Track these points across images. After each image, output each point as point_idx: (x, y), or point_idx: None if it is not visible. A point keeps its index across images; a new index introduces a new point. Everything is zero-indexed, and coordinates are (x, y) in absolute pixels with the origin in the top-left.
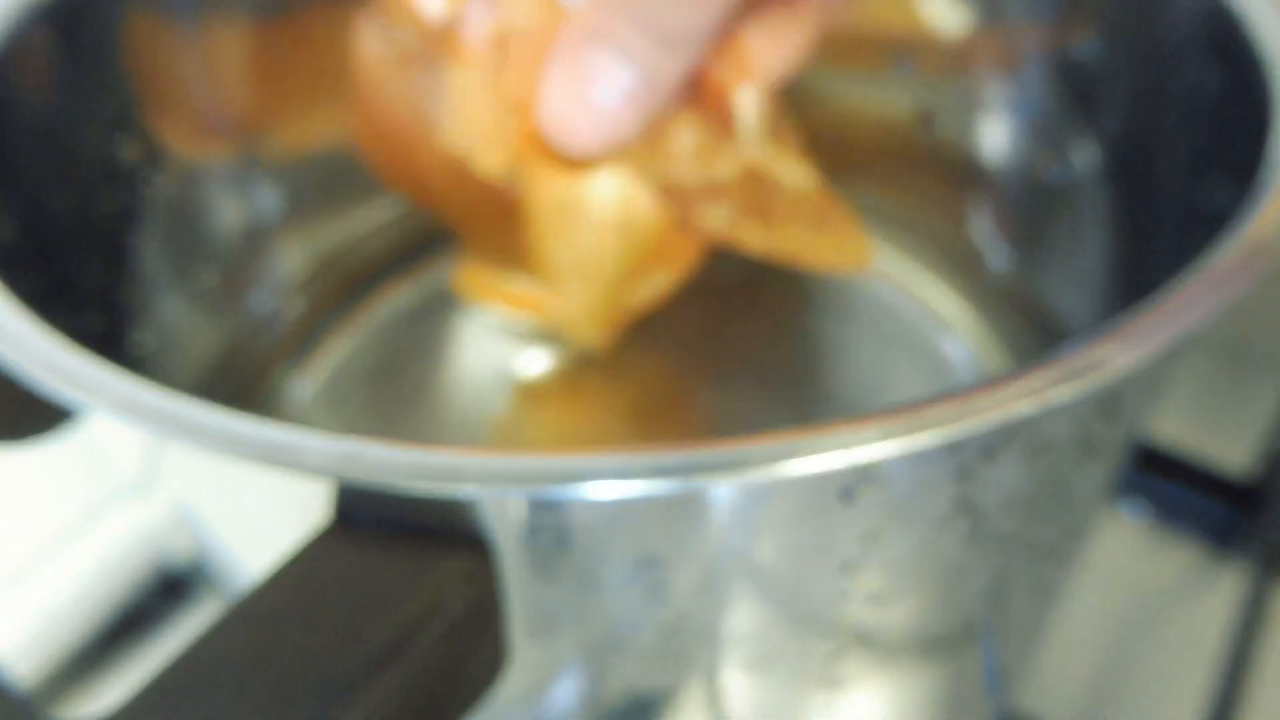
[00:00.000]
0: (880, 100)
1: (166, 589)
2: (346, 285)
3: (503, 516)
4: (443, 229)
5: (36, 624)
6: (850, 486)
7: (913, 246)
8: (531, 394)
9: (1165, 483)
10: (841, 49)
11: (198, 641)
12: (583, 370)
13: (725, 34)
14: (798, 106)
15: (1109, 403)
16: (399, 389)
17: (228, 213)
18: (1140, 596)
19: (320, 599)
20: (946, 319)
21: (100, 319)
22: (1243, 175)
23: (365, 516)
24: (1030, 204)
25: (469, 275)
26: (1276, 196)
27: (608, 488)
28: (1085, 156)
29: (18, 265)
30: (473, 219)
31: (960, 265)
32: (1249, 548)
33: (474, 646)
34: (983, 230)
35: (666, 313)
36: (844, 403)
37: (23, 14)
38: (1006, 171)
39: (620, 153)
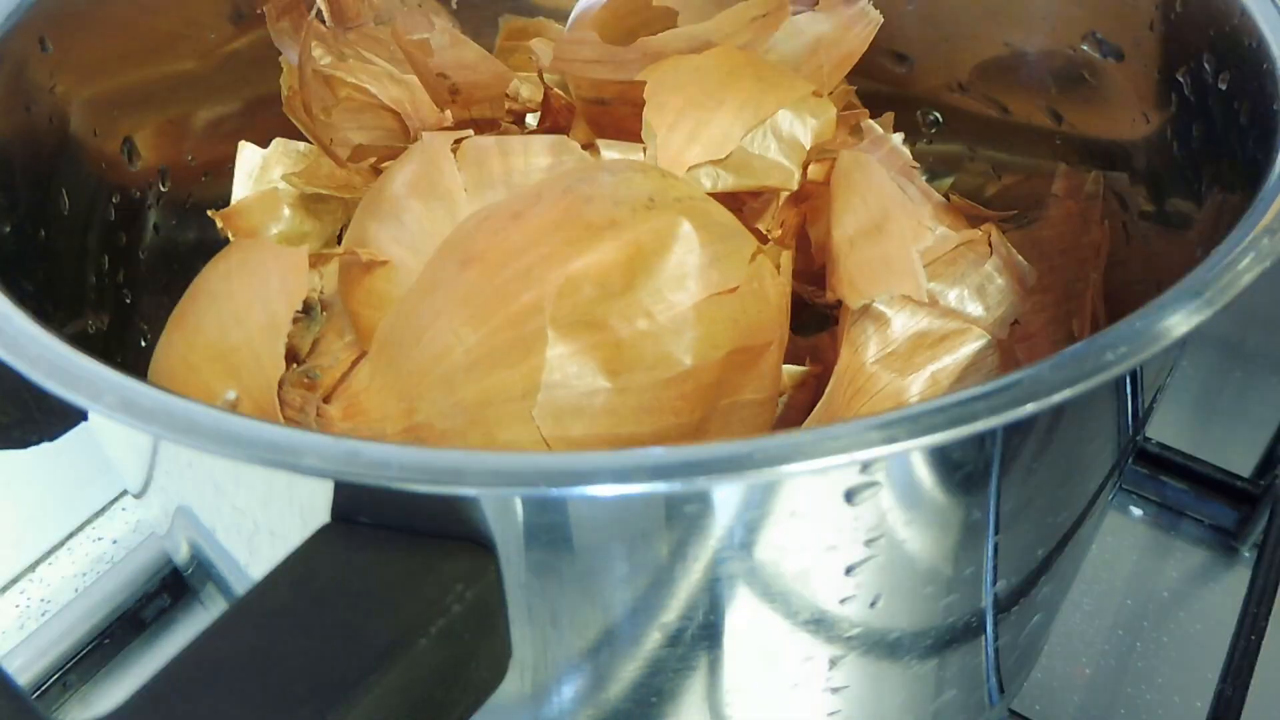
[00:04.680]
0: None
1: (166, 589)
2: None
3: (503, 516)
4: None
5: (36, 624)
6: (853, 487)
7: None
8: None
9: (1168, 483)
10: None
11: (198, 641)
12: None
13: None
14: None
15: (1110, 403)
16: None
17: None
18: (1143, 596)
19: (320, 599)
20: None
21: (100, 319)
22: (1246, 175)
23: (365, 516)
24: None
25: None
26: (1278, 198)
27: (608, 488)
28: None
29: (18, 265)
30: None
31: None
32: (1252, 548)
33: (474, 646)
34: None
35: None
36: None
37: (28, 14)
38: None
39: None
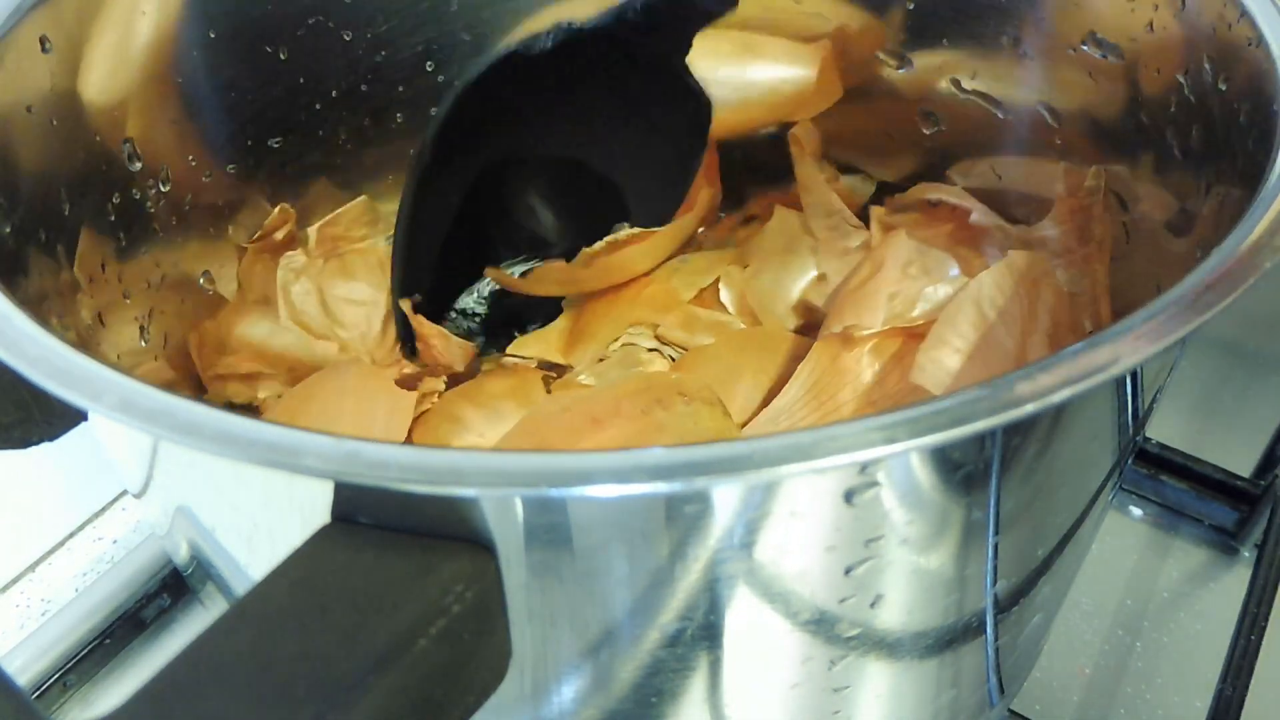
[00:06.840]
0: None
1: (166, 589)
2: None
3: (503, 517)
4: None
5: (36, 624)
6: (852, 488)
7: None
8: None
9: (1168, 483)
10: None
11: (198, 641)
12: None
13: None
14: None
15: (1111, 403)
16: None
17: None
18: (1143, 596)
19: (320, 599)
20: None
21: (99, 319)
22: (1246, 175)
23: (365, 516)
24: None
25: None
26: (1278, 198)
27: (608, 488)
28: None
29: (18, 265)
30: None
31: None
32: (1252, 548)
33: (474, 647)
34: None
35: None
36: None
37: (28, 14)
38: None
39: None
